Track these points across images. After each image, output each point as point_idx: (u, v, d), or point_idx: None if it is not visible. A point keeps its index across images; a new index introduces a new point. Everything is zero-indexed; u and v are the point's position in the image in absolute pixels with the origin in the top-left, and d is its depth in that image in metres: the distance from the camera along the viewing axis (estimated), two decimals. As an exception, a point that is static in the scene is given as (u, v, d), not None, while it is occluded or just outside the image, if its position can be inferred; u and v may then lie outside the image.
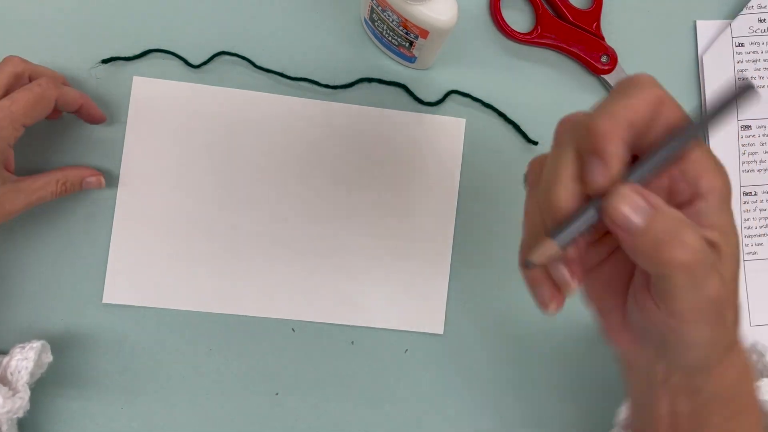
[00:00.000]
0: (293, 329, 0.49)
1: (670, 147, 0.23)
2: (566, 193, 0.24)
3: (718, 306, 0.24)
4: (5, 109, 0.42)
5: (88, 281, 0.48)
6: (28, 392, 0.42)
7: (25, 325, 0.48)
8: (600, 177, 0.23)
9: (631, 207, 0.23)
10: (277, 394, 0.49)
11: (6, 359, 0.43)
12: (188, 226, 0.49)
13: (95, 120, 0.48)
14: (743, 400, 0.28)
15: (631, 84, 0.24)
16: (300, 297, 0.49)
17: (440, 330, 0.49)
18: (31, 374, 0.43)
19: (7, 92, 0.43)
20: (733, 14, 0.52)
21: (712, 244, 0.23)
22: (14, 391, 0.41)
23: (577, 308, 0.35)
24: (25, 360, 0.42)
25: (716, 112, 0.24)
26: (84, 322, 0.48)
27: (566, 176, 0.24)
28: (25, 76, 0.44)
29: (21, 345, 0.44)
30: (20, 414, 0.42)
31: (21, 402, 0.41)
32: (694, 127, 0.23)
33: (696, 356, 0.25)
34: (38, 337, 0.47)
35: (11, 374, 0.42)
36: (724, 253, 0.24)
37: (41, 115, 0.43)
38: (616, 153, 0.23)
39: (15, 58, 0.44)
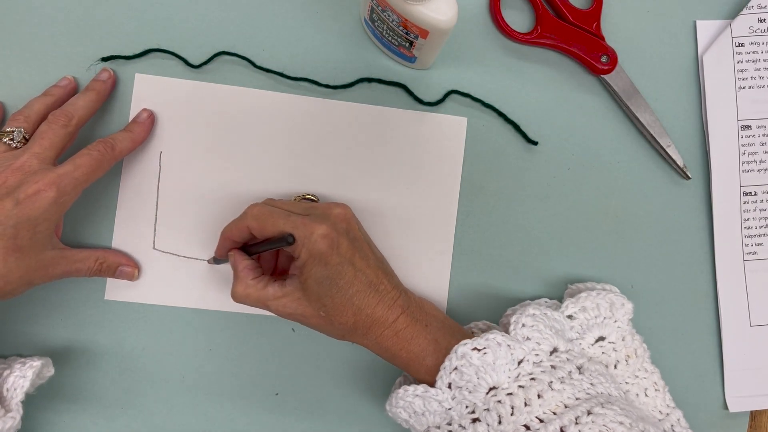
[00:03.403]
0: (293, 329, 0.49)
1: (271, 243, 0.43)
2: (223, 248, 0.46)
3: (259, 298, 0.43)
4: (69, 175, 0.42)
5: (90, 278, 0.48)
6: (21, 411, 0.41)
7: (26, 323, 0.48)
8: (217, 249, 0.47)
9: (230, 259, 0.45)
10: (277, 394, 0.49)
11: (5, 372, 0.42)
12: (189, 222, 0.49)
13: None
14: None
15: (243, 214, 0.44)
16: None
17: (440, 330, 0.49)
18: (31, 384, 0.42)
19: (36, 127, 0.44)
20: (733, 14, 0.52)
21: (292, 276, 0.43)
22: (6, 410, 0.40)
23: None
24: (22, 378, 0.41)
25: (267, 246, 0.43)
26: (85, 320, 0.48)
27: (226, 241, 0.46)
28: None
29: (22, 360, 0.43)
30: None
31: (12, 422, 0.40)
32: (279, 239, 0.41)
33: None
34: (38, 335, 0.47)
35: (7, 390, 0.41)
36: (302, 279, 0.42)
37: (97, 177, 0.44)
38: (222, 244, 0.45)
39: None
